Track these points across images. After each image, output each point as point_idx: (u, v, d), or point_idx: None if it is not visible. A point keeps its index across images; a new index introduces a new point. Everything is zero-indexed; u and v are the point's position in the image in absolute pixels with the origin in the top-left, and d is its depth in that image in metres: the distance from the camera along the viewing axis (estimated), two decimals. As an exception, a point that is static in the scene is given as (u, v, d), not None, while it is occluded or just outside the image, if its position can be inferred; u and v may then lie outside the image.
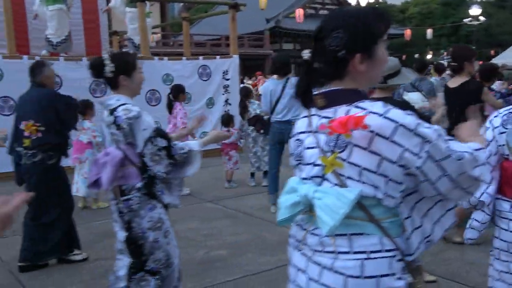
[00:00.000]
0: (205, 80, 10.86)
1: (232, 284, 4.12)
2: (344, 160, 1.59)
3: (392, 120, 1.53)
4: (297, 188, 1.69)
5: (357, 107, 1.59)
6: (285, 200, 1.73)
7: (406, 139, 1.53)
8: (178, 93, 7.30)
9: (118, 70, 2.93)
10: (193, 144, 3.00)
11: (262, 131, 7.72)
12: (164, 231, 3.01)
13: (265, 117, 6.85)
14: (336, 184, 1.62)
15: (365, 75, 1.66)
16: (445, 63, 15.05)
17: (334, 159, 1.59)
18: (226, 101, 11.04)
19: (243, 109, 8.09)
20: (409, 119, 1.54)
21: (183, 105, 7.37)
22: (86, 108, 6.40)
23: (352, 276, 1.59)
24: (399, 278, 1.61)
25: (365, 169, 1.57)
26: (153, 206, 2.95)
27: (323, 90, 1.69)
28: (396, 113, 1.55)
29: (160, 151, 2.84)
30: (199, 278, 4.17)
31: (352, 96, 1.63)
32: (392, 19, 1.74)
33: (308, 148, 1.70)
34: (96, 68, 2.98)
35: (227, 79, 11.11)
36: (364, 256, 1.59)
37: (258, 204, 6.65)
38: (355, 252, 1.59)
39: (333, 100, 1.66)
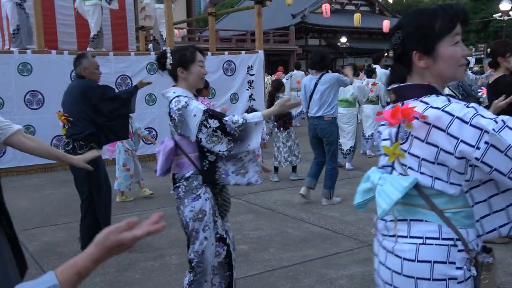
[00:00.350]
0: (230, 75, 10.88)
1: (253, 279, 4.13)
2: (405, 151, 1.69)
3: (449, 113, 1.58)
4: (370, 175, 1.83)
5: (421, 101, 1.67)
6: (361, 186, 1.88)
7: (461, 131, 1.56)
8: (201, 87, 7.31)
9: (176, 63, 3.06)
10: (251, 115, 2.96)
11: (282, 128, 7.76)
12: (204, 224, 3.04)
13: (302, 112, 6.94)
14: (400, 173, 1.74)
15: (429, 71, 1.72)
16: (472, 59, 14.82)
17: (395, 149, 1.71)
18: (250, 97, 11.04)
19: (271, 102, 8.11)
20: (466, 111, 1.57)
21: (206, 99, 7.39)
22: None
23: (407, 259, 1.68)
24: (459, 268, 1.65)
25: (423, 159, 1.65)
26: (196, 197, 3.01)
27: (394, 85, 1.81)
28: (455, 106, 1.60)
29: (216, 132, 2.87)
30: (221, 272, 4.20)
31: (419, 91, 1.71)
32: (467, 16, 1.74)
33: (384, 139, 1.82)
34: (160, 61, 3.11)
35: (252, 75, 11.11)
36: (420, 241, 1.67)
37: (281, 200, 6.66)
38: (412, 237, 1.69)
39: (402, 94, 1.76)
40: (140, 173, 6.98)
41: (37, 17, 9.08)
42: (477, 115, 1.55)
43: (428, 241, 1.66)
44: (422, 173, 1.66)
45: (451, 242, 1.65)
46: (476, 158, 1.56)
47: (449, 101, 1.63)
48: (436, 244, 1.65)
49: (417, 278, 1.67)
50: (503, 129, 1.52)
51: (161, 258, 4.62)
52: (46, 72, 8.75)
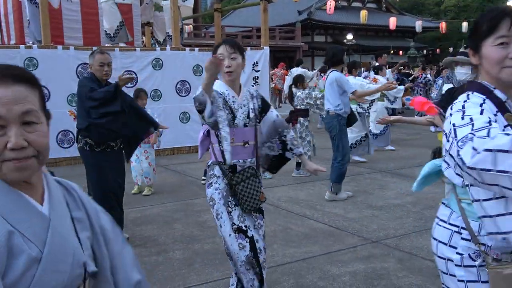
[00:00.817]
0: (235, 72, 10.87)
1: (257, 274, 4.14)
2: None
3: (450, 108, 1.74)
4: None
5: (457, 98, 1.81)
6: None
7: (446, 124, 1.70)
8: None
9: None
10: (198, 90, 3.03)
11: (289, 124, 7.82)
12: (216, 212, 3.16)
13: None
14: None
15: (482, 68, 1.83)
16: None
17: (440, 137, 2.00)
18: (256, 93, 11.04)
19: (290, 97, 8.33)
20: (457, 107, 1.69)
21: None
22: (136, 98, 6.46)
23: (432, 236, 1.99)
24: (459, 254, 1.81)
25: (445, 147, 1.77)
26: (209, 185, 3.21)
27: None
28: (457, 104, 1.72)
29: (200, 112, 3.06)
30: (224, 268, 4.20)
31: (469, 87, 1.84)
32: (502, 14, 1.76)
33: None
34: None
35: (257, 71, 11.10)
36: (437, 221, 1.95)
37: (285, 196, 6.66)
38: (436, 217, 1.97)
39: (467, 89, 1.87)
40: (143, 172, 6.80)
41: (44, 12, 9.11)
42: (459, 111, 1.66)
43: (440, 223, 1.92)
44: (444, 160, 1.86)
45: (456, 229, 1.83)
46: (446, 150, 1.65)
47: (467, 97, 1.74)
48: (443, 227, 1.89)
49: (432, 251, 1.97)
50: (463, 126, 1.58)
51: (165, 253, 4.64)
52: (52, 67, 8.76)
